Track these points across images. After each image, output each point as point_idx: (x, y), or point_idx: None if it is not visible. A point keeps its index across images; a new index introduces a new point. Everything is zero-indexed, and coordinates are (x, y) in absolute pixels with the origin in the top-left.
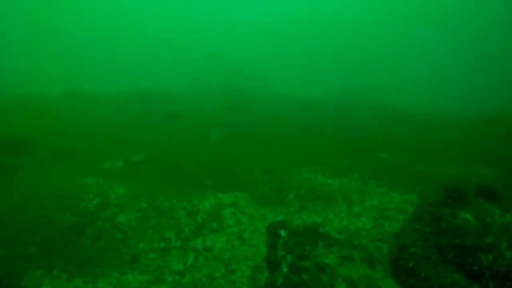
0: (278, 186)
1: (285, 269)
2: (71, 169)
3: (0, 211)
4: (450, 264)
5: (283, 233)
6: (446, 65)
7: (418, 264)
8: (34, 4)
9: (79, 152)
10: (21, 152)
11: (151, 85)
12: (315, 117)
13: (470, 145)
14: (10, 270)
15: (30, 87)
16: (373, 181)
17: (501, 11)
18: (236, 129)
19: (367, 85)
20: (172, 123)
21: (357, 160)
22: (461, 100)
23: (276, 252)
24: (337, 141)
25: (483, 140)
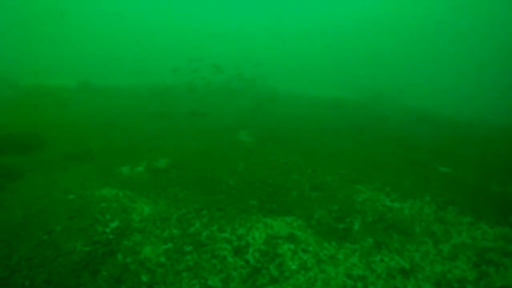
0: (336, 209)
1: None
2: (84, 175)
3: None
4: None
5: None
6: (478, 71)
7: None
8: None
9: (94, 154)
10: (30, 151)
11: (170, 80)
12: (349, 121)
13: None
14: None
15: (45, 79)
16: (451, 206)
17: None
18: (266, 131)
19: (398, 89)
20: (195, 122)
21: (417, 176)
22: (493, 107)
23: None
24: (384, 150)
25: None
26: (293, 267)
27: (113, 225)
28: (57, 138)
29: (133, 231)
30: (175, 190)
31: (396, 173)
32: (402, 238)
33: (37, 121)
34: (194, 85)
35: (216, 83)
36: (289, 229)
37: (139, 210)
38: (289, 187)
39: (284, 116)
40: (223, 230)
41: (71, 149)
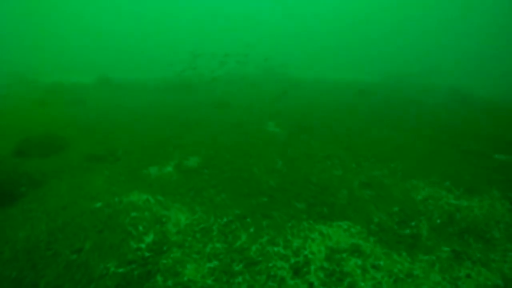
0: (396, 211)
1: None
2: (110, 178)
3: (19, 252)
4: None
5: None
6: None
7: None
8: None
9: (119, 153)
10: (52, 152)
11: (188, 72)
12: (380, 106)
13: None
14: None
15: (63, 75)
16: None
17: None
18: (295, 121)
19: (422, 72)
20: (220, 114)
21: (473, 166)
22: None
23: None
24: (428, 137)
25: None
26: None
27: (148, 239)
28: (79, 137)
29: (171, 246)
30: (210, 194)
31: (450, 164)
32: (482, 246)
33: (57, 119)
34: (216, 76)
35: (237, 73)
36: (350, 239)
37: (175, 219)
38: (336, 186)
39: (310, 103)
40: (275, 243)
41: (94, 149)
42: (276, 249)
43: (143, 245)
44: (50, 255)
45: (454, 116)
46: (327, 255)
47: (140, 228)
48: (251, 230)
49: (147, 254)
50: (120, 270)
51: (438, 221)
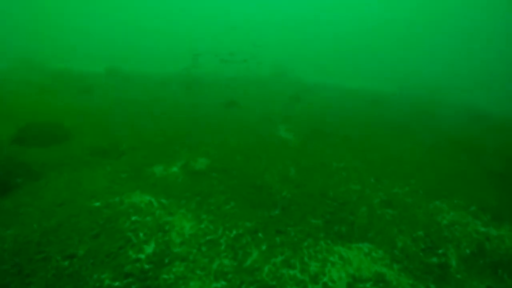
0: (421, 236)
1: None
2: (113, 174)
3: (5, 253)
4: None
5: None
6: None
7: None
8: None
9: (123, 148)
10: (54, 143)
11: (198, 68)
12: (393, 116)
13: None
14: None
15: (72, 63)
16: None
17: None
18: (306, 126)
19: (433, 83)
20: (230, 114)
21: (499, 189)
22: None
23: None
24: (447, 154)
25: None
26: None
27: (149, 249)
28: (83, 129)
29: (173, 259)
30: (219, 201)
31: (473, 185)
32: None
33: (62, 108)
34: (226, 75)
35: (245, 73)
36: (373, 265)
37: (179, 227)
38: (355, 202)
39: (322, 109)
40: (291, 265)
41: (98, 142)
42: (292, 272)
43: (142, 256)
44: (39, 260)
45: (470, 132)
46: (348, 284)
47: (141, 235)
48: (263, 247)
49: (146, 266)
50: (116, 283)
51: (467, 251)
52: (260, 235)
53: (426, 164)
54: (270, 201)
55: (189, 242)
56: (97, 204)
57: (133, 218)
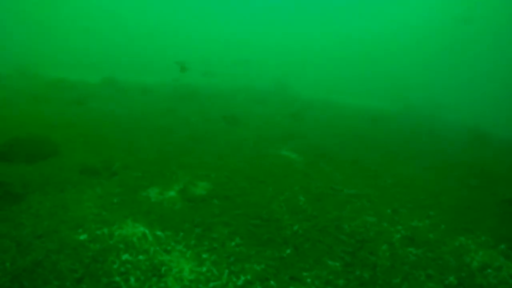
0: (453, 283)
1: None
2: (102, 198)
3: None
4: None
5: None
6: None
7: None
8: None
9: (115, 167)
10: (41, 158)
11: (190, 80)
12: (398, 136)
13: None
14: None
15: (67, 72)
16: None
17: None
18: (311, 146)
19: (432, 102)
20: (230, 132)
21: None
22: None
23: None
24: (456, 178)
25: None
26: None
27: None
28: (73, 144)
29: None
30: (222, 235)
31: (494, 218)
32: None
33: (52, 119)
34: (223, 89)
35: (243, 87)
36: None
37: (177, 270)
38: (373, 238)
39: (324, 127)
40: None
41: (88, 159)
42: None
43: None
44: None
45: (478, 156)
46: None
47: (132, 280)
48: None
49: None
50: None
51: None
52: (272, 283)
53: (440, 192)
54: (280, 237)
55: None
56: (83, 237)
57: (124, 257)
